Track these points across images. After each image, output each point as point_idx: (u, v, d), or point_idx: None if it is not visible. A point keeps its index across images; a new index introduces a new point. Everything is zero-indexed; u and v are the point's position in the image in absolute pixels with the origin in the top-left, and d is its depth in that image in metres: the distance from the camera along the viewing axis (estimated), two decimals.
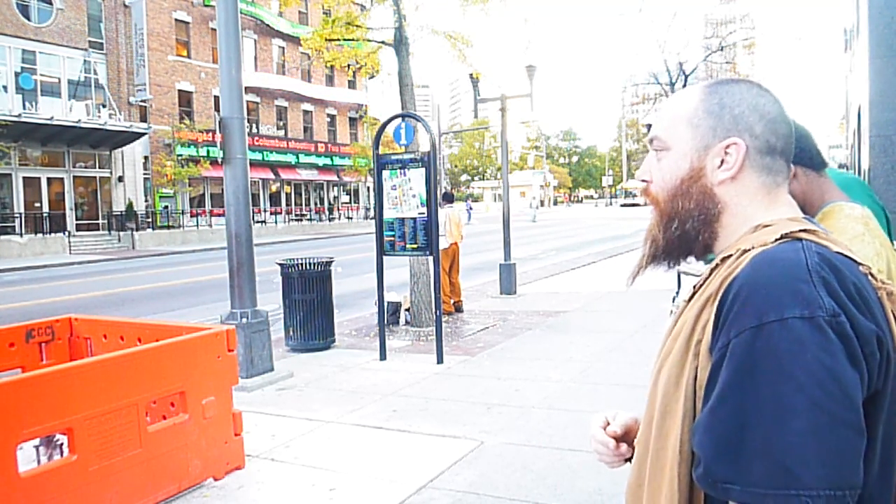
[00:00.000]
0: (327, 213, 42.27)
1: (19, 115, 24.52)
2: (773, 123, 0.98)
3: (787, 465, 0.75)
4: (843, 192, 1.65)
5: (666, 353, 0.93)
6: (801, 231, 0.89)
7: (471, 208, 49.41)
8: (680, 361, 0.89)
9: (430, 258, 7.52)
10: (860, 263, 0.87)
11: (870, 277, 0.87)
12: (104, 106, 29.07)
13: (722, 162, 0.98)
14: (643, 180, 1.06)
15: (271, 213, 37.88)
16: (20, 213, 25.93)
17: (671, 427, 0.89)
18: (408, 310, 8.99)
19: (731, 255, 0.91)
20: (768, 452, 0.77)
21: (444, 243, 9.44)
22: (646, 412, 0.95)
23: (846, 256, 0.87)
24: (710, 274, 0.92)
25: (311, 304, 7.54)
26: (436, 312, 7.06)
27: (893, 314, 0.87)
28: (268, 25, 37.52)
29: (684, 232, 1.01)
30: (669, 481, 0.88)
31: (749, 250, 0.89)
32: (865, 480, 0.80)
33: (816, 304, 0.79)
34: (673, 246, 1.03)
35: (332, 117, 43.33)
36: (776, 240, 0.88)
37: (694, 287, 0.94)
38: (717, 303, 0.86)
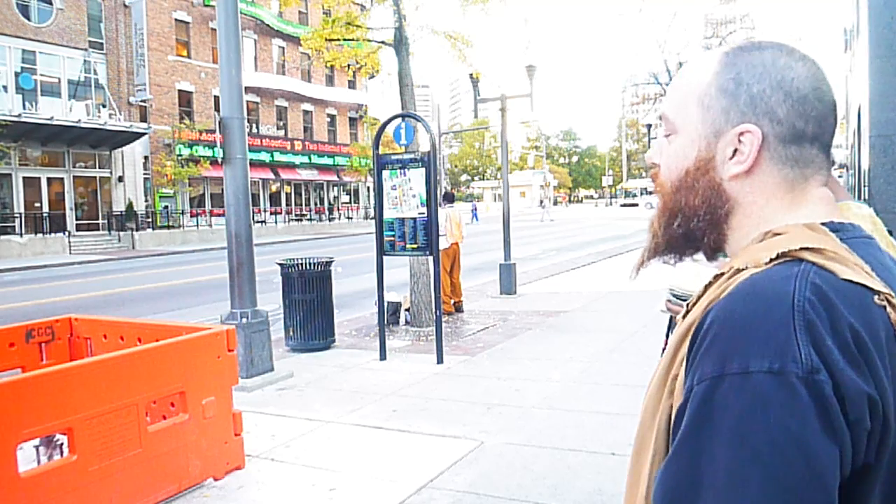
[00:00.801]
0: (327, 213, 42.28)
1: (19, 115, 24.53)
2: (802, 104, 0.79)
3: None
4: (847, 193, 1.65)
5: (653, 378, 0.81)
6: (803, 249, 0.73)
7: (476, 209, 49.28)
8: (657, 395, 0.78)
9: (430, 258, 7.53)
10: (877, 291, 0.70)
11: (888, 309, 0.70)
12: (104, 106, 29.07)
13: (735, 152, 0.81)
14: (653, 163, 0.92)
15: (271, 213, 37.88)
16: (20, 213, 25.93)
17: (643, 464, 0.79)
18: (408, 310, 8.99)
19: (723, 274, 0.77)
20: None
21: (444, 243, 9.44)
22: (634, 439, 0.84)
23: (857, 284, 0.70)
24: (704, 291, 0.78)
25: (311, 304, 7.53)
26: (436, 312, 7.06)
27: None
28: (268, 25, 37.53)
29: (689, 230, 0.86)
30: None
31: (742, 270, 0.75)
32: None
33: (790, 356, 0.65)
34: (677, 243, 0.89)
35: (332, 117, 43.33)
36: (772, 259, 0.73)
37: (687, 305, 0.80)
38: (691, 335, 0.73)
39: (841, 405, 0.64)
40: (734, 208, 0.83)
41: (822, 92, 0.80)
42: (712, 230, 0.85)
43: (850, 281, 0.70)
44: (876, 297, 0.70)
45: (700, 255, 0.90)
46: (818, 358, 0.65)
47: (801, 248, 0.73)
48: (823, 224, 0.78)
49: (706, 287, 0.78)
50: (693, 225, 0.85)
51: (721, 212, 0.83)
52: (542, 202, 49.71)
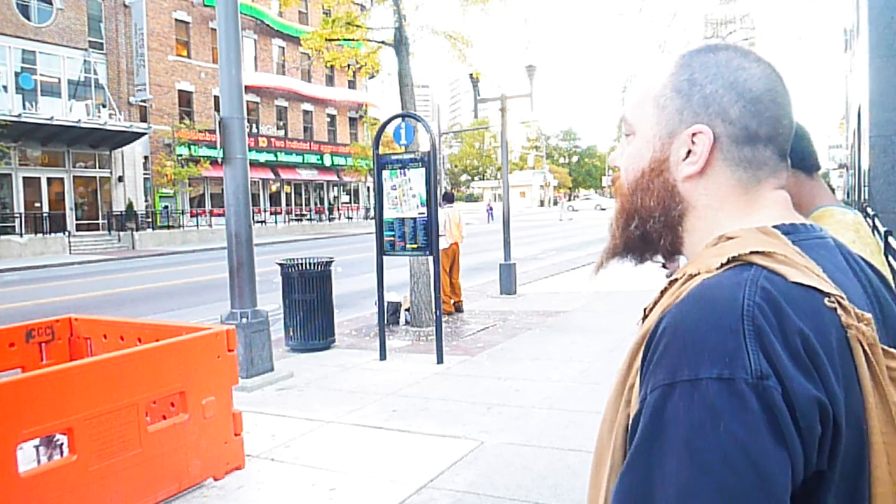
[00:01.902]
0: (327, 213, 42.28)
1: (19, 115, 24.53)
2: (755, 104, 0.79)
3: None
4: (833, 196, 1.63)
5: (612, 388, 0.79)
6: (753, 253, 0.72)
7: (491, 209, 48.90)
8: (614, 405, 0.78)
9: (430, 258, 7.53)
10: (827, 294, 0.70)
11: (838, 312, 0.69)
12: (104, 106, 29.08)
13: (688, 153, 0.81)
14: (615, 166, 0.92)
15: (271, 213, 37.88)
16: (20, 213, 25.93)
17: (602, 478, 0.77)
18: (408, 310, 8.99)
19: (677, 280, 0.77)
20: None
21: (444, 243, 9.44)
22: (594, 451, 0.82)
23: (807, 287, 0.69)
24: (659, 297, 0.78)
25: (311, 304, 7.54)
26: (436, 312, 7.06)
27: (867, 360, 0.69)
28: (268, 25, 37.53)
29: (646, 232, 0.86)
30: None
31: (695, 276, 0.74)
32: None
33: (739, 363, 0.64)
34: (635, 245, 0.89)
35: (332, 117, 43.34)
36: (722, 264, 0.72)
37: (644, 311, 0.80)
38: (645, 344, 0.73)
39: (791, 412, 0.64)
40: (688, 210, 0.83)
41: (776, 93, 0.80)
42: (668, 232, 0.85)
43: (800, 284, 0.69)
44: (826, 299, 0.69)
45: (658, 257, 0.91)
46: (767, 364, 0.64)
47: (751, 252, 0.72)
48: (776, 227, 0.77)
49: (661, 293, 0.78)
50: (650, 227, 0.85)
51: (675, 213, 0.83)
52: (562, 200, 50.60)
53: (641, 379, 0.71)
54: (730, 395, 0.63)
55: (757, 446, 0.62)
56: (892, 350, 0.71)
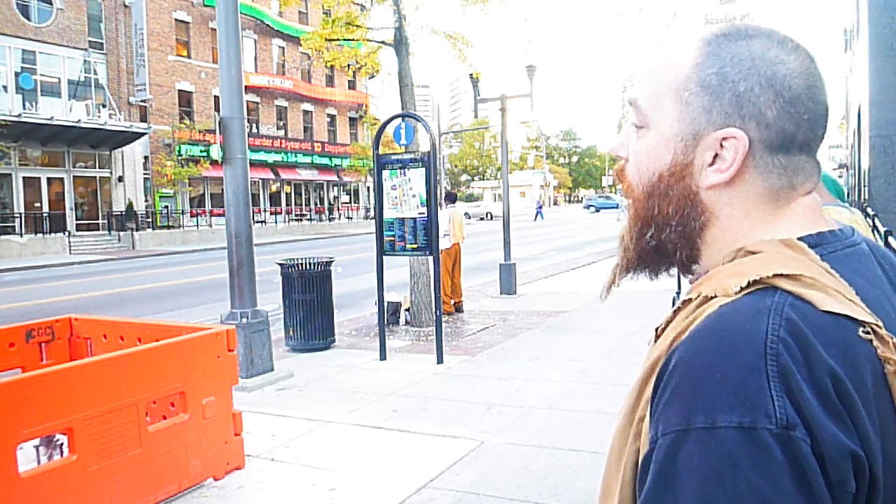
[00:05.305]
0: (327, 213, 42.28)
1: (19, 115, 24.52)
2: (794, 105, 0.68)
3: None
4: (832, 196, 1.63)
5: (620, 414, 0.71)
6: (777, 276, 0.63)
7: (541, 206, 48.43)
8: (623, 435, 0.69)
9: (430, 258, 7.53)
10: (862, 322, 0.60)
11: (874, 343, 0.60)
12: (104, 106, 29.07)
13: (715, 158, 0.70)
14: (617, 156, 0.80)
15: (271, 213, 37.88)
16: (20, 213, 25.93)
17: None
18: (408, 310, 8.99)
19: (691, 300, 0.68)
20: None
21: (447, 243, 9.44)
22: (601, 482, 0.75)
23: (837, 315, 0.60)
24: (672, 317, 0.70)
25: (311, 304, 7.54)
26: (436, 312, 7.06)
27: None
28: (268, 25, 37.53)
29: (661, 242, 0.75)
30: None
31: (711, 299, 0.65)
32: None
33: (762, 410, 0.55)
34: (649, 258, 0.77)
35: (332, 117, 43.33)
36: (742, 288, 0.63)
37: (656, 330, 0.72)
38: (656, 375, 0.64)
39: (821, 465, 0.55)
40: (710, 221, 0.72)
41: (816, 90, 0.69)
42: (685, 244, 0.74)
43: (831, 313, 0.60)
44: (861, 329, 0.60)
45: (673, 270, 0.79)
46: (794, 411, 0.56)
47: (775, 275, 0.63)
48: (802, 238, 0.68)
49: (674, 313, 0.70)
50: (665, 237, 0.75)
51: (695, 224, 0.73)
52: (620, 205, 50.24)
53: (652, 413, 0.63)
54: (751, 446, 0.55)
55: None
56: None
